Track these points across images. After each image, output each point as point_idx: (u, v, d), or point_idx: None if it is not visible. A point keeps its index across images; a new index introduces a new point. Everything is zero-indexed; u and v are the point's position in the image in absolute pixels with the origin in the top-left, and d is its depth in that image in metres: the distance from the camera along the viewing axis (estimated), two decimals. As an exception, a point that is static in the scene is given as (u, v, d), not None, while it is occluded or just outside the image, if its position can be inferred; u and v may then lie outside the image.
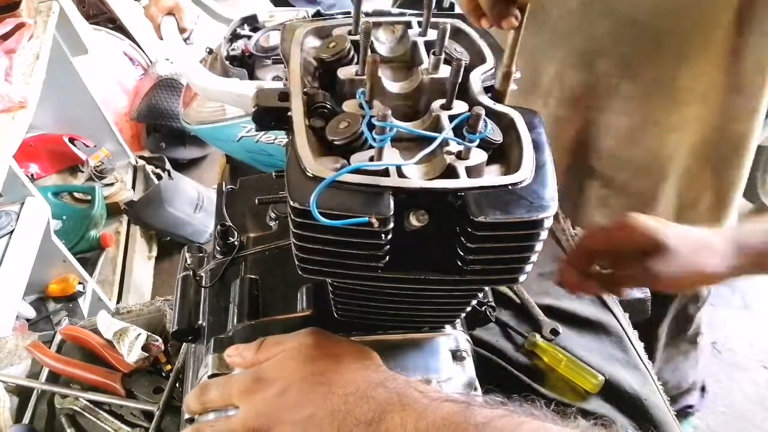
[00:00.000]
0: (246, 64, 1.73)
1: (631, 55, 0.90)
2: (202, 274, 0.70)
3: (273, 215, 0.73)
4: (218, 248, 0.71)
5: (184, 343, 0.79)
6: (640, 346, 0.86)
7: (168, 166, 2.50)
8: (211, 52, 1.80)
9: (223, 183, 0.80)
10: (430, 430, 0.44)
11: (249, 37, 1.78)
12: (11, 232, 1.51)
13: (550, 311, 0.84)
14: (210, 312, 0.66)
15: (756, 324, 2.38)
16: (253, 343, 0.56)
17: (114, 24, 2.80)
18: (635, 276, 0.69)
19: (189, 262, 0.73)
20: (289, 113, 0.47)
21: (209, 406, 0.55)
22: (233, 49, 1.76)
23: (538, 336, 0.81)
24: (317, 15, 1.70)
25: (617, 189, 1.04)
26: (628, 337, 0.86)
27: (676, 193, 1.02)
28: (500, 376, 0.77)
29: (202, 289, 0.69)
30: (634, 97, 0.93)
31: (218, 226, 0.71)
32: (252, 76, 1.71)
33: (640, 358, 0.84)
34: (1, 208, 1.57)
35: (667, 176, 1.00)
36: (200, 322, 0.66)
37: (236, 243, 0.71)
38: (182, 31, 1.38)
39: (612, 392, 0.77)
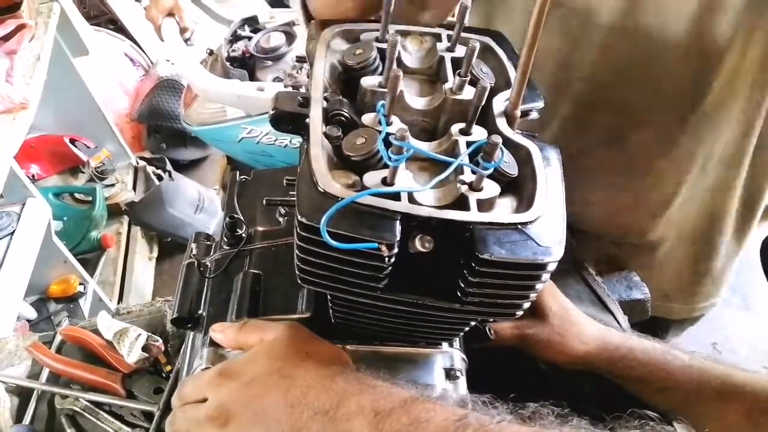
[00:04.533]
0: (246, 65, 1.74)
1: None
2: (207, 263, 0.70)
3: (282, 211, 0.72)
4: (225, 239, 0.70)
5: (184, 343, 0.79)
6: (640, 346, 0.86)
7: (169, 167, 2.50)
8: (211, 53, 1.81)
9: (237, 173, 0.79)
10: (387, 409, 0.44)
11: (249, 39, 1.79)
12: (12, 233, 1.52)
13: (550, 311, 0.84)
14: (211, 303, 0.66)
15: (757, 325, 2.38)
16: (236, 323, 0.58)
17: (115, 25, 2.81)
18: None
19: (195, 251, 0.72)
20: (307, 120, 0.46)
21: (186, 400, 0.55)
22: (233, 51, 1.77)
23: (538, 336, 0.80)
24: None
25: None
26: (628, 337, 0.86)
27: None
28: (499, 376, 0.77)
29: (206, 278, 0.68)
30: None
31: (227, 217, 0.70)
32: (252, 78, 1.71)
33: (641, 358, 0.83)
34: (2, 209, 1.57)
35: None
36: (201, 311, 0.66)
37: (243, 235, 0.70)
38: (183, 31, 1.38)
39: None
